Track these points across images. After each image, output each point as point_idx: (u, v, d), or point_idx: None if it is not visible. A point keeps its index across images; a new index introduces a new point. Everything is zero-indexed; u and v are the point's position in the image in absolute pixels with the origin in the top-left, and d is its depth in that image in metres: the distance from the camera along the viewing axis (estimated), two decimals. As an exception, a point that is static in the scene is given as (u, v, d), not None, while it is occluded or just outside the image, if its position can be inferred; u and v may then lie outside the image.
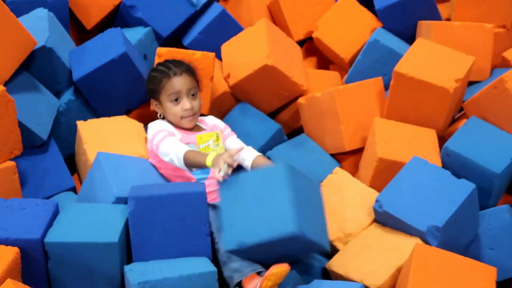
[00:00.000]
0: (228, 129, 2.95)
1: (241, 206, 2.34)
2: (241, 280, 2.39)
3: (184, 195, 2.39)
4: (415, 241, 2.42)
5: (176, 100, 2.81)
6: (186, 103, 2.79)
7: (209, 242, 2.43)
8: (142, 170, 2.72)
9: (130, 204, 2.35)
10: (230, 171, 2.39)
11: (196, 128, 2.87)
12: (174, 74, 2.81)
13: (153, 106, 2.91)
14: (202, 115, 3.02)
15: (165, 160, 2.66)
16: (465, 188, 2.54)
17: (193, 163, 2.57)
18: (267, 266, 2.34)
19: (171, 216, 2.36)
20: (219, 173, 2.37)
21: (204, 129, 2.90)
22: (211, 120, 2.97)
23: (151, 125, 2.85)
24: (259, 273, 2.39)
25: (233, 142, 2.91)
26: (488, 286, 2.28)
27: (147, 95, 2.94)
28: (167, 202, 2.36)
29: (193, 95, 2.84)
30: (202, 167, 2.57)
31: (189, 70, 2.87)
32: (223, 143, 2.86)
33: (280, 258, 2.33)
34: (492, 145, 2.85)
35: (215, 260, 2.50)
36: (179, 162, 2.60)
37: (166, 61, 2.93)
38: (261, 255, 2.34)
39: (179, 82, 2.80)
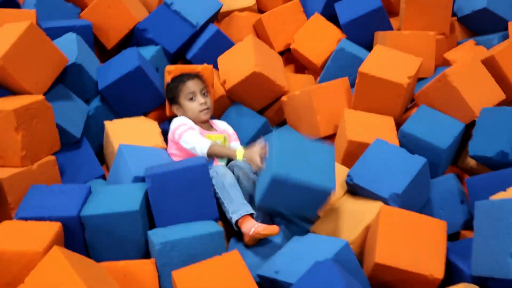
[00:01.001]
0: (235, 135, 2.96)
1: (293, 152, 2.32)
2: (238, 220, 2.41)
3: (190, 168, 2.40)
4: (380, 204, 2.39)
5: (192, 98, 2.85)
6: (200, 99, 2.85)
7: (215, 203, 2.43)
8: (156, 155, 2.72)
9: (148, 181, 2.37)
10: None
11: (209, 127, 2.89)
12: (188, 79, 2.88)
13: (174, 110, 2.93)
14: (214, 118, 3.02)
15: (186, 147, 2.69)
16: (418, 161, 2.53)
17: (218, 154, 2.65)
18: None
19: (181, 187, 2.37)
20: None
21: (215, 130, 2.92)
22: (222, 125, 2.98)
23: (175, 119, 2.85)
24: (252, 215, 2.41)
25: (235, 146, 2.90)
26: (440, 236, 2.29)
27: (169, 103, 2.97)
28: (177, 176, 2.38)
29: (204, 94, 2.89)
30: (230, 158, 2.63)
31: (198, 76, 2.93)
32: (229, 144, 2.88)
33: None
34: (438, 127, 2.86)
35: (222, 220, 2.51)
36: (201, 151, 2.65)
37: (179, 74, 2.98)
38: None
39: (192, 84, 2.86)
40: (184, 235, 2.26)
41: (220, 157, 2.65)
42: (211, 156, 2.63)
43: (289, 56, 3.62)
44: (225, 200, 2.49)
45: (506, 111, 2.74)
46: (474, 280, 2.21)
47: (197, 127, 2.81)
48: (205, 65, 3.12)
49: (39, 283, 1.89)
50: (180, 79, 2.90)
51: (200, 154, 2.63)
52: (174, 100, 2.90)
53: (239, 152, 2.55)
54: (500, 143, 2.65)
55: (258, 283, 2.16)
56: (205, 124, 2.86)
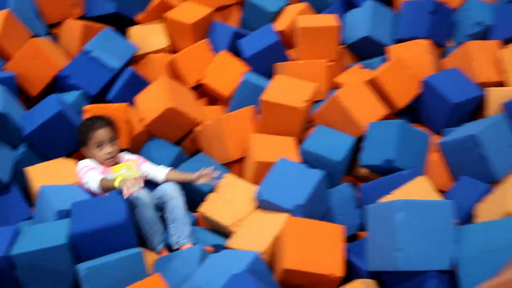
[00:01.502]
0: (141, 159, 2.89)
1: None
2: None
3: (109, 227, 2.28)
4: (286, 216, 2.40)
5: (100, 147, 2.75)
6: (107, 149, 2.74)
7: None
8: (76, 191, 2.60)
9: (71, 239, 2.25)
10: (137, 187, 2.44)
11: (115, 164, 2.81)
12: (98, 128, 2.75)
13: (83, 151, 2.83)
14: (121, 150, 2.92)
15: (85, 188, 2.62)
16: (316, 174, 2.54)
17: (106, 188, 2.56)
18: None
19: (104, 241, 2.27)
20: (128, 189, 2.41)
21: (119, 163, 2.83)
22: (125, 155, 2.89)
23: (79, 162, 2.79)
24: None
25: (148, 166, 2.85)
26: (338, 239, 2.31)
27: (78, 144, 2.86)
28: (98, 234, 2.26)
29: (112, 142, 2.77)
30: (112, 189, 2.53)
31: (108, 123, 2.80)
32: (139, 169, 2.82)
33: None
34: (333, 142, 2.88)
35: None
36: (97, 189, 2.60)
37: (91, 117, 2.87)
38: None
39: (102, 133, 2.74)
40: (106, 259, 2.19)
41: (107, 190, 2.58)
42: (105, 190, 2.59)
43: (202, 90, 3.59)
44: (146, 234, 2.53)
45: (389, 124, 2.82)
46: (370, 274, 2.27)
47: (101, 166, 2.75)
48: (118, 104, 3.06)
49: None
50: (91, 125, 2.78)
51: (99, 192, 2.61)
52: (83, 142, 2.80)
53: (116, 181, 2.50)
54: (386, 152, 2.73)
55: None
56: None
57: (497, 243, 2.01)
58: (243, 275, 1.95)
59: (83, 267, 2.14)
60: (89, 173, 2.66)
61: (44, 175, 2.79)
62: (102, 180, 2.60)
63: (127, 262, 2.19)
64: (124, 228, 2.30)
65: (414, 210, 2.08)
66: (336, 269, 2.22)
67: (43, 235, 2.30)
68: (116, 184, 2.49)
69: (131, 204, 2.50)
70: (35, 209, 2.64)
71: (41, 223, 2.46)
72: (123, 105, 3.05)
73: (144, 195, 2.53)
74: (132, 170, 2.77)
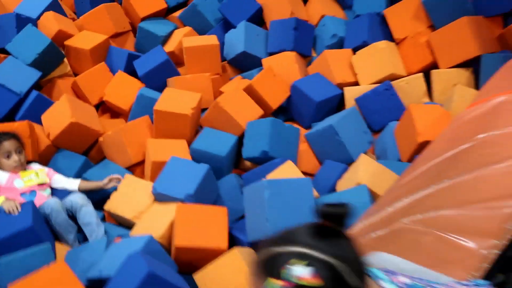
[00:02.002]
0: (51, 171, 2.86)
1: None
2: None
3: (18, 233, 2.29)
4: (178, 203, 2.46)
5: (8, 156, 2.72)
6: (15, 157, 2.71)
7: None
8: None
9: None
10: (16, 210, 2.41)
11: (23, 170, 2.76)
12: (5, 140, 2.72)
13: None
14: (29, 162, 2.88)
15: None
16: (203, 168, 2.62)
17: None
18: None
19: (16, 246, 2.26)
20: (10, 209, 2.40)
21: (29, 168, 2.80)
22: (34, 165, 2.85)
23: None
24: None
25: (59, 177, 2.84)
26: (223, 218, 2.40)
27: None
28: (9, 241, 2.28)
29: (19, 152, 2.74)
30: None
31: (14, 136, 2.77)
32: (48, 178, 2.80)
33: None
34: (218, 141, 2.94)
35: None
36: None
37: None
38: None
39: (9, 144, 2.72)
40: (16, 255, 2.18)
41: None
42: None
43: (104, 107, 3.58)
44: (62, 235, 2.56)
45: (262, 122, 2.94)
46: (251, 245, 2.36)
47: (8, 174, 2.70)
48: (20, 122, 2.99)
49: None
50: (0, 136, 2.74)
51: None
52: None
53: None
54: (261, 145, 2.83)
55: (88, 286, 2.16)
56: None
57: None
58: (136, 255, 2.02)
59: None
60: None
61: None
62: (4, 202, 2.51)
63: (37, 255, 2.20)
64: (31, 232, 2.31)
65: (278, 187, 2.23)
66: (221, 243, 2.32)
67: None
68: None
69: (43, 212, 2.52)
70: None
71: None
72: (24, 122, 2.97)
73: (52, 202, 2.55)
74: (39, 177, 2.75)
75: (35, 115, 3.18)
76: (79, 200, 2.63)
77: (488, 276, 1.54)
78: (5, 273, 2.13)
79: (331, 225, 0.98)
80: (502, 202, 1.70)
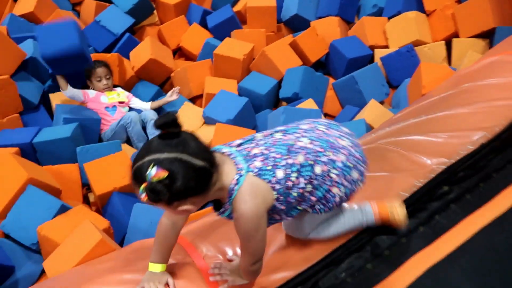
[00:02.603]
0: (131, 95, 3.11)
1: None
2: None
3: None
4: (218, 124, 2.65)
5: (99, 80, 2.98)
6: (104, 81, 2.98)
7: None
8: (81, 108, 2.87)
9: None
10: None
11: (109, 91, 3.02)
12: (98, 67, 2.97)
13: (88, 82, 3.03)
14: (116, 86, 3.14)
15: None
16: (243, 100, 2.82)
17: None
18: None
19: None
20: None
21: (114, 90, 3.06)
22: (119, 89, 3.09)
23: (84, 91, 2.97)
24: None
25: (136, 99, 3.09)
26: None
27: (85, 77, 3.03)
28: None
29: (108, 78, 2.99)
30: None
31: (105, 64, 3.01)
32: (126, 98, 3.05)
33: None
34: (261, 82, 3.12)
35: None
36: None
37: (94, 60, 3.01)
38: None
39: (100, 71, 2.98)
40: (93, 145, 2.47)
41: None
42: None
43: (181, 52, 3.75)
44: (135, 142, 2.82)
45: (297, 69, 3.06)
46: None
47: (96, 91, 2.96)
48: (111, 54, 3.19)
49: None
50: (93, 65, 2.97)
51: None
52: (87, 77, 3.01)
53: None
54: (294, 88, 2.98)
55: None
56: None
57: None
58: None
59: (78, 149, 2.45)
60: (78, 91, 2.93)
61: (61, 99, 3.02)
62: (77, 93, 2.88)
63: (109, 146, 2.50)
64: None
65: (293, 113, 2.41)
66: None
67: (54, 132, 2.59)
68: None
69: (124, 121, 2.81)
70: (53, 120, 2.92)
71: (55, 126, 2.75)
72: (115, 54, 3.18)
73: (133, 114, 2.84)
74: (120, 96, 3.05)
75: (125, 52, 3.44)
76: (149, 114, 2.93)
77: (435, 187, 1.68)
78: (84, 156, 2.44)
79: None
80: (461, 133, 1.81)
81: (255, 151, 1.25)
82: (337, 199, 1.32)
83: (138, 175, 1.10)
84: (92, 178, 2.20)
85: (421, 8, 3.42)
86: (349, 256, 1.47)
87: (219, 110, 2.80)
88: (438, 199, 1.64)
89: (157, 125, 1.11)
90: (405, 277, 1.43)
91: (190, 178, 1.10)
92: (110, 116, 2.95)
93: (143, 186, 1.08)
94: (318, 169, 1.27)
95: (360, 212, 1.47)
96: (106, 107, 2.98)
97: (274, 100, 3.23)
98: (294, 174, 1.24)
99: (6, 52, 2.89)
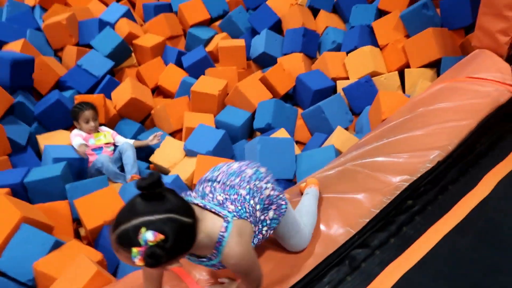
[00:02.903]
0: (115, 133, 3.10)
1: None
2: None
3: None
4: (199, 155, 2.68)
5: (87, 122, 2.96)
6: (91, 123, 2.96)
7: None
8: (66, 149, 2.81)
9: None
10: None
11: (95, 131, 3.01)
12: (86, 109, 2.96)
13: (75, 124, 3.00)
14: (101, 124, 3.14)
15: (73, 146, 2.86)
16: (220, 133, 2.85)
17: (81, 151, 2.80)
18: None
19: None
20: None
21: (100, 131, 3.04)
22: (103, 128, 3.10)
23: (72, 131, 2.97)
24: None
25: (120, 137, 3.06)
26: None
27: (72, 118, 3.01)
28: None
29: (95, 119, 2.98)
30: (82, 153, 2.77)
31: (93, 107, 3.01)
32: (111, 138, 3.03)
33: None
34: (236, 115, 3.16)
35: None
36: (77, 148, 2.83)
37: (80, 102, 3.02)
38: None
39: (88, 113, 2.96)
40: (82, 182, 2.46)
41: (82, 153, 2.80)
42: (81, 152, 2.80)
43: (159, 90, 3.77)
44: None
45: (268, 102, 3.13)
46: None
47: (85, 134, 2.95)
48: (97, 95, 3.25)
49: None
50: (81, 107, 2.97)
51: (77, 150, 2.82)
52: (75, 119, 2.99)
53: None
54: (267, 119, 3.04)
55: None
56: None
57: (316, 161, 2.40)
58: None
59: (68, 187, 2.43)
60: (75, 138, 2.91)
61: (48, 140, 3.01)
62: (81, 145, 2.83)
63: (96, 183, 2.49)
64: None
65: (267, 142, 2.45)
66: None
67: (44, 171, 2.55)
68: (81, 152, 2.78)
69: (96, 165, 2.79)
70: (42, 160, 2.87)
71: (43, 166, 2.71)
72: (101, 95, 3.24)
73: (102, 157, 2.81)
74: (106, 138, 3.03)
75: (107, 93, 3.46)
76: (125, 146, 2.90)
77: (401, 202, 1.75)
78: (73, 193, 2.41)
79: (153, 190, 1.05)
80: (419, 153, 1.90)
81: (220, 198, 1.30)
82: (281, 201, 1.48)
83: (125, 238, 1.03)
84: (83, 213, 2.18)
85: (375, 43, 3.59)
86: (331, 270, 1.51)
87: (199, 143, 2.83)
88: (404, 212, 1.71)
89: (142, 187, 1.05)
90: (381, 286, 1.47)
91: (183, 237, 1.07)
92: (96, 156, 2.90)
93: (135, 250, 1.00)
94: (266, 192, 1.42)
95: (312, 191, 1.76)
96: (93, 149, 2.95)
97: (248, 131, 3.29)
98: (253, 203, 1.34)
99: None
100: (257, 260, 1.32)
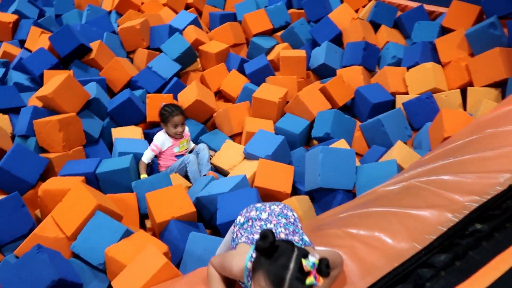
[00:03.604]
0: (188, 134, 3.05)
1: None
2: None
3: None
4: (260, 159, 2.67)
5: (175, 127, 2.87)
6: (179, 129, 2.86)
7: None
8: (137, 143, 2.89)
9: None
10: None
11: (181, 138, 2.95)
12: (177, 115, 2.86)
13: (162, 126, 2.92)
14: None
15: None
16: (279, 138, 2.82)
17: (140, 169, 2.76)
18: None
19: None
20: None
21: (183, 137, 2.96)
22: (187, 130, 3.04)
23: (156, 135, 2.89)
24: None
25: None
26: (290, 174, 2.58)
27: (160, 120, 2.91)
28: None
29: (183, 124, 2.90)
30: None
31: (182, 112, 2.90)
32: (191, 145, 3.06)
33: None
34: (295, 123, 3.15)
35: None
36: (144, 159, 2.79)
37: (171, 104, 2.94)
38: None
39: (178, 119, 2.86)
40: (148, 178, 2.52)
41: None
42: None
43: (221, 94, 3.83)
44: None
45: (328, 112, 3.09)
46: (307, 193, 2.52)
47: (171, 140, 2.88)
48: (167, 94, 3.32)
49: (66, 200, 2.13)
50: (172, 111, 2.86)
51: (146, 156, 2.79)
52: (164, 121, 2.88)
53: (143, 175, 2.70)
54: (326, 129, 3.00)
55: (195, 203, 2.39)
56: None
57: (377, 175, 2.34)
58: (227, 193, 2.27)
59: (134, 185, 2.50)
60: (149, 149, 2.85)
61: (120, 133, 3.11)
62: (141, 162, 2.78)
63: (159, 179, 2.53)
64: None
65: (330, 152, 2.42)
66: (286, 189, 2.55)
67: (114, 163, 2.66)
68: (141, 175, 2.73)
69: (184, 162, 2.80)
70: (112, 151, 2.99)
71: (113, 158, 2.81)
72: (170, 95, 3.32)
73: (191, 156, 2.85)
74: (187, 144, 3.03)
75: (173, 94, 3.52)
76: (202, 146, 2.94)
77: (468, 223, 1.67)
78: (142, 188, 2.47)
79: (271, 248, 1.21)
80: (489, 174, 1.81)
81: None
82: None
83: (299, 275, 1.19)
84: (153, 206, 2.23)
85: (436, 60, 3.47)
86: (394, 286, 1.46)
87: (259, 147, 2.83)
88: (470, 236, 1.62)
89: (258, 249, 1.23)
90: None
91: None
92: (176, 160, 2.93)
93: (311, 278, 1.17)
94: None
95: None
96: (176, 155, 2.95)
97: (306, 139, 3.26)
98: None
99: (75, 93, 3.03)
100: None
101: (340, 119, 3.08)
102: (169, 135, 2.92)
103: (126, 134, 3.10)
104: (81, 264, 2.02)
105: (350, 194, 2.41)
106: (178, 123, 2.86)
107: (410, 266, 1.49)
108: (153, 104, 3.27)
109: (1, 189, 2.56)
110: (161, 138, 2.89)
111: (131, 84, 3.61)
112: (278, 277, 1.17)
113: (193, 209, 2.24)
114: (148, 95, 3.31)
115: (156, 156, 2.93)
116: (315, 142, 3.19)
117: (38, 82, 3.46)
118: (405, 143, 3.00)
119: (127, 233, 2.06)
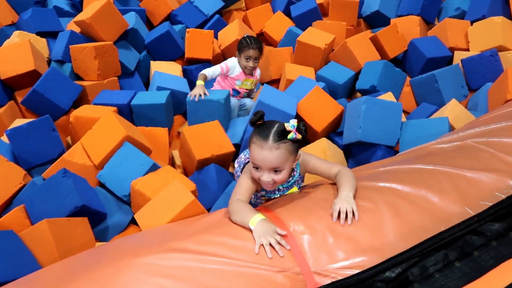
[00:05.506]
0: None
1: None
2: None
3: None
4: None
5: (247, 60, 2.70)
6: (250, 64, 2.69)
7: None
8: (174, 79, 2.77)
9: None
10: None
11: (249, 73, 2.78)
12: (253, 48, 2.68)
13: (236, 54, 2.76)
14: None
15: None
16: (321, 85, 2.63)
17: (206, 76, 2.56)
18: None
19: None
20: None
21: (251, 76, 2.79)
22: (257, 72, 2.86)
23: (230, 59, 2.74)
24: None
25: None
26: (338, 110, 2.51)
27: (237, 47, 2.73)
28: None
29: (255, 60, 2.71)
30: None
31: (260, 48, 2.71)
32: (254, 87, 2.86)
33: None
34: (339, 72, 2.95)
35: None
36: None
37: (252, 37, 2.76)
38: None
39: (253, 52, 2.68)
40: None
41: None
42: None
43: (263, 37, 3.63)
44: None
45: (376, 63, 2.86)
46: (344, 147, 2.38)
47: (241, 72, 2.73)
48: (207, 30, 3.14)
49: (96, 128, 2.08)
50: (250, 43, 2.69)
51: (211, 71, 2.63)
52: (239, 50, 2.72)
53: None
54: (371, 80, 2.78)
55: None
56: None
57: (425, 133, 2.14)
58: None
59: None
60: (218, 65, 2.70)
61: (159, 67, 3.01)
62: (202, 73, 2.56)
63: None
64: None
65: (374, 104, 2.22)
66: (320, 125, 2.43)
67: (150, 97, 2.56)
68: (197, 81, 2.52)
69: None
70: (150, 84, 2.89)
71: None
72: (211, 31, 3.17)
73: (249, 101, 2.76)
74: (250, 86, 2.81)
75: (215, 30, 3.41)
76: (249, 102, 2.82)
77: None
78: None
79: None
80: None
81: None
82: None
83: (281, 134, 1.42)
84: (192, 143, 2.11)
85: (507, 15, 3.10)
86: (439, 250, 1.31)
87: (297, 93, 2.65)
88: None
89: (251, 122, 1.48)
90: (493, 283, 1.25)
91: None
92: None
93: (291, 134, 1.41)
94: None
95: None
96: (234, 88, 2.79)
97: (349, 91, 3.07)
98: None
99: (113, 21, 2.92)
100: None
101: (389, 72, 2.84)
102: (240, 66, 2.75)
103: (165, 69, 2.99)
104: (106, 194, 1.97)
105: (392, 151, 2.23)
106: (251, 56, 2.68)
107: (459, 231, 1.33)
108: (193, 40, 3.14)
109: (35, 113, 2.54)
110: (234, 63, 2.73)
111: (171, 18, 3.49)
112: (265, 131, 1.43)
113: (233, 148, 2.15)
114: (188, 29, 3.17)
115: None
116: (358, 95, 2.98)
117: (78, 8, 3.38)
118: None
119: (154, 167, 1.99)
